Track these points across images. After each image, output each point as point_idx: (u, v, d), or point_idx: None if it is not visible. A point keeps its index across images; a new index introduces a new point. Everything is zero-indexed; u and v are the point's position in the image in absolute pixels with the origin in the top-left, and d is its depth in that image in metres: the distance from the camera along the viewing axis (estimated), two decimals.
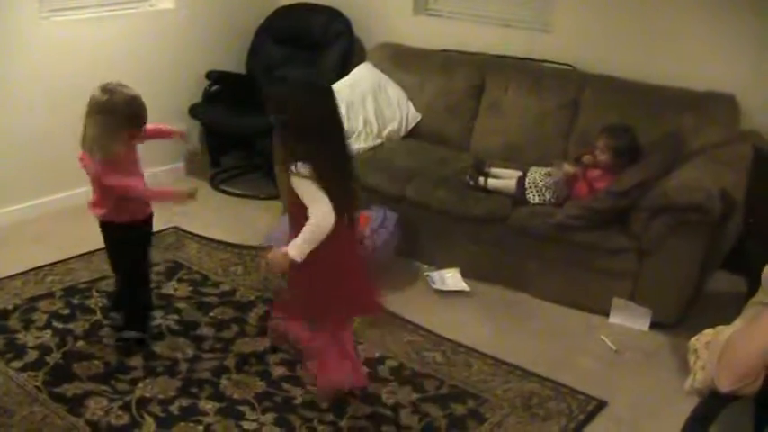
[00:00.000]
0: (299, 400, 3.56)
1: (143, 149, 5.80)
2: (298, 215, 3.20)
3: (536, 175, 4.58)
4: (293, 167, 3.11)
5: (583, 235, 4.33)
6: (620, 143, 4.47)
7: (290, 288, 3.54)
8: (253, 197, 5.88)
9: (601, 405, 3.64)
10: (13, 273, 4.55)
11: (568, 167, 4.55)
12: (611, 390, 3.75)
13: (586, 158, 4.56)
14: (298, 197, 3.16)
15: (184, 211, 5.40)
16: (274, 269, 3.30)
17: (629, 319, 4.30)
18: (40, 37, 5.13)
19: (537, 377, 3.82)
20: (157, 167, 6.02)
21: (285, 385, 3.68)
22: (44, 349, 3.88)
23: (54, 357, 3.82)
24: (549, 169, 4.60)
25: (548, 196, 4.52)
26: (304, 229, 3.13)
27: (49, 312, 4.20)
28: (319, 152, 3.14)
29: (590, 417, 3.56)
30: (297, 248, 3.14)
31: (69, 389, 3.60)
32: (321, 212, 3.11)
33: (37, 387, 3.60)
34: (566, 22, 5.29)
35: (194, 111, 5.94)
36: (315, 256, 3.17)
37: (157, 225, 5.10)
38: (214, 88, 6.09)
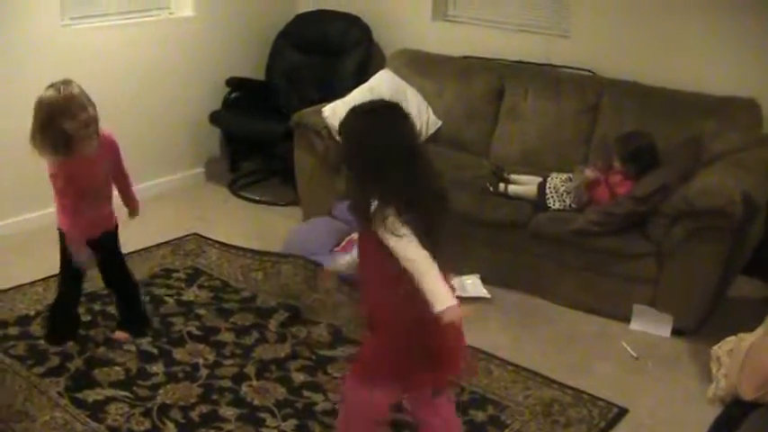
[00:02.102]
0: (320, 407, 3.56)
1: (162, 154, 5.87)
2: (377, 275, 2.73)
3: (556, 180, 4.57)
4: (381, 219, 2.57)
5: (603, 240, 4.32)
6: (627, 149, 4.47)
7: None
8: (272, 203, 5.89)
9: (622, 412, 3.62)
10: (34, 279, 4.57)
11: (589, 173, 4.54)
12: (632, 397, 3.73)
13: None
14: (382, 257, 2.63)
15: (204, 216, 5.43)
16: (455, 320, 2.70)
17: (650, 326, 4.28)
18: (60, 44, 5.17)
19: (557, 384, 3.81)
20: (178, 173, 6.06)
21: (306, 392, 3.68)
22: (65, 355, 3.90)
23: (75, 363, 3.84)
24: (569, 174, 4.59)
25: (568, 201, 4.52)
26: (432, 280, 2.60)
27: None
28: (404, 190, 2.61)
29: (611, 424, 3.54)
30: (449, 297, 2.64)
31: (90, 395, 3.61)
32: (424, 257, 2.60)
33: (59, 393, 3.61)
34: (584, 28, 5.28)
35: (214, 117, 5.97)
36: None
37: (177, 232, 5.15)
38: (234, 95, 6.11)
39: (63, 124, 3.51)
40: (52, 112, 3.50)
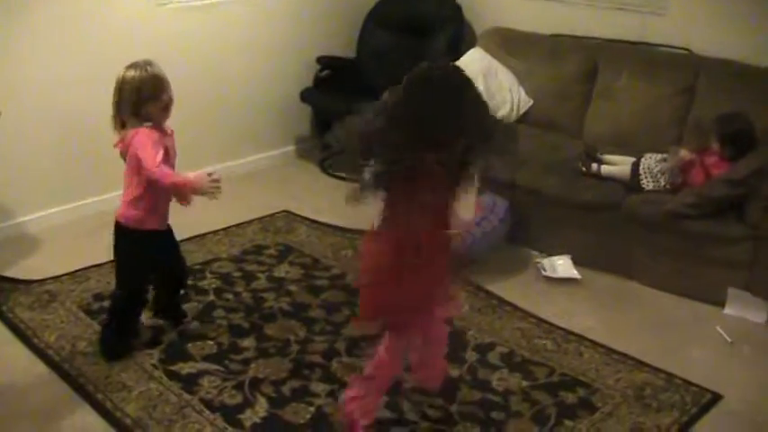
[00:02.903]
0: (408, 385, 3.56)
1: (254, 133, 5.93)
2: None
3: (650, 160, 4.50)
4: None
5: (697, 223, 4.25)
6: (728, 130, 4.36)
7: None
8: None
9: (715, 398, 3.56)
10: None
11: (684, 153, 4.46)
12: (725, 383, 3.66)
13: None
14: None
15: (294, 194, 5.49)
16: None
17: (745, 311, 4.20)
18: (154, 24, 5.25)
19: (649, 367, 3.76)
20: (268, 152, 6.13)
21: None
22: (159, 329, 3.98)
23: (169, 337, 3.92)
24: (663, 155, 4.51)
25: (662, 182, 4.44)
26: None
27: None
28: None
29: (704, 410, 3.49)
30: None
31: (184, 367, 3.68)
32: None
33: (153, 365, 3.70)
34: (680, 4, 5.16)
35: (305, 95, 6.01)
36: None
37: (268, 209, 5.20)
38: (324, 73, 6.14)
39: (146, 105, 3.48)
40: (139, 91, 3.46)
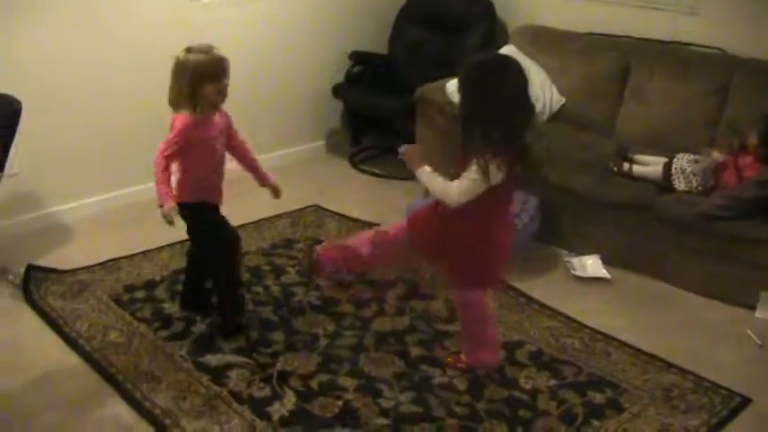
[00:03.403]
0: (436, 381, 3.58)
1: (286, 127, 5.96)
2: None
3: (683, 161, 4.46)
4: (485, 158, 3.12)
5: (729, 225, 4.21)
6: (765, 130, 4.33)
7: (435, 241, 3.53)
8: (392, 177, 5.92)
9: (745, 402, 3.53)
10: (160, 245, 4.72)
11: (717, 154, 4.43)
12: (756, 386, 3.62)
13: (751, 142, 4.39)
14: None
15: (324, 189, 5.50)
16: (408, 157, 3.41)
17: None
18: (190, 19, 5.28)
19: (677, 369, 3.74)
20: (298, 146, 6.15)
21: (423, 366, 3.70)
22: (189, 320, 4.00)
23: (199, 328, 3.94)
24: (696, 156, 4.48)
25: (695, 183, 4.41)
26: (447, 182, 3.26)
27: None
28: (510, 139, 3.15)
29: (733, 413, 3.46)
30: (426, 172, 3.34)
31: (213, 359, 3.70)
32: (461, 189, 3.21)
33: (182, 356, 3.72)
34: (713, 4, 5.12)
35: (337, 90, 6.03)
36: (467, 219, 3.31)
37: (298, 203, 5.22)
38: (356, 69, 6.16)
39: (205, 87, 3.50)
40: (201, 73, 3.49)
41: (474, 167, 3.15)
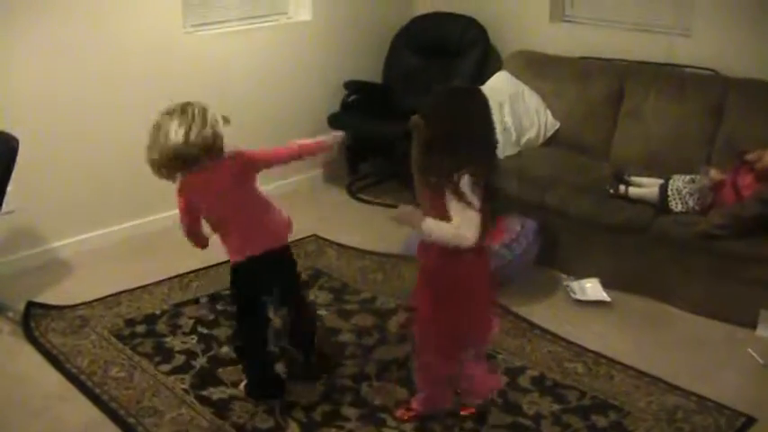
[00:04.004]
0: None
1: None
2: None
3: (679, 182, 4.48)
4: (454, 179, 2.98)
5: (729, 244, 4.22)
6: None
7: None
8: (391, 205, 5.91)
9: (749, 421, 3.52)
10: (160, 279, 4.72)
11: (715, 174, 4.45)
12: (759, 406, 3.61)
13: (750, 156, 4.37)
14: (443, 210, 3.02)
15: (323, 218, 5.50)
16: (404, 220, 3.23)
17: None
18: (183, 50, 5.32)
19: (681, 390, 3.73)
20: (297, 175, 6.16)
21: None
22: (190, 354, 4.00)
23: (200, 362, 3.94)
24: (692, 176, 4.50)
25: (691, 204, 4.42)
26: (447, 224, 3.00)
27: (195, 318, 4.34)
28: (476, 162, 3.01)
29: None
30: (431, 226, 3.03)
31: (215, 392, 3.69)
32: (464, 222, 2.99)
33: (184, 390, 3.71)
34: (706, 26, 5.15)
35: (333, 120, 6.03)
36: (452, 270, 3.14)
37: (297, 233, 5.21)
38: (352, 98, 6.18)
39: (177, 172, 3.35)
40: (171, 159, 3.26)
41: (452, 200, 3.00)
